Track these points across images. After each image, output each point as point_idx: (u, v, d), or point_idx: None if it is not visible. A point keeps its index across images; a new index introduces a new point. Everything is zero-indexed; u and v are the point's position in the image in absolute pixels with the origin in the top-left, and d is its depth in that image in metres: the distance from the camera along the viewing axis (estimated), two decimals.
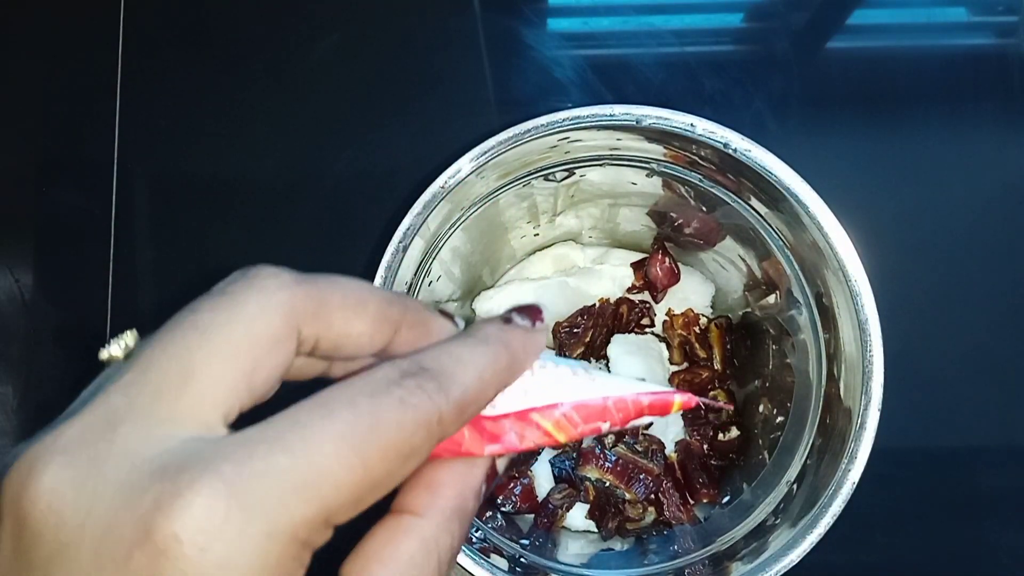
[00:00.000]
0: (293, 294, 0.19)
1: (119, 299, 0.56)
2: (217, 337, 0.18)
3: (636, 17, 0.60)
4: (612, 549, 0.47)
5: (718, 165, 0.41)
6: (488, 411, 0.21)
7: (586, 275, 0.53)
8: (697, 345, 0.51)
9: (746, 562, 0.39)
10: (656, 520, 0.48)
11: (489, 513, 0.47)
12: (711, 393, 0.51)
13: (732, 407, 0.46)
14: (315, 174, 0.58)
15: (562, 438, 0.22)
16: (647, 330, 0.53)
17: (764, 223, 0.42)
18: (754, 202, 0.42)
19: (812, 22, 0.61)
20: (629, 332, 0.52)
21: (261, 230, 0.58)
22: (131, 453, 0.17)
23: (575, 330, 0.51)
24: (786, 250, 0.42)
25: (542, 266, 0.54)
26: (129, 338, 0.20)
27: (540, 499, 0.49)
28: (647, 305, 0.53)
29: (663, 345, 0.53)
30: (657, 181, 0.45)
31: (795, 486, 0.41)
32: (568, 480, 0.49)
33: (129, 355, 0.19)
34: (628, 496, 0.48)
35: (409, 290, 0.41)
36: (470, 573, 0.37)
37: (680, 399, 0.23)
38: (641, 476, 0.47)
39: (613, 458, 0.48)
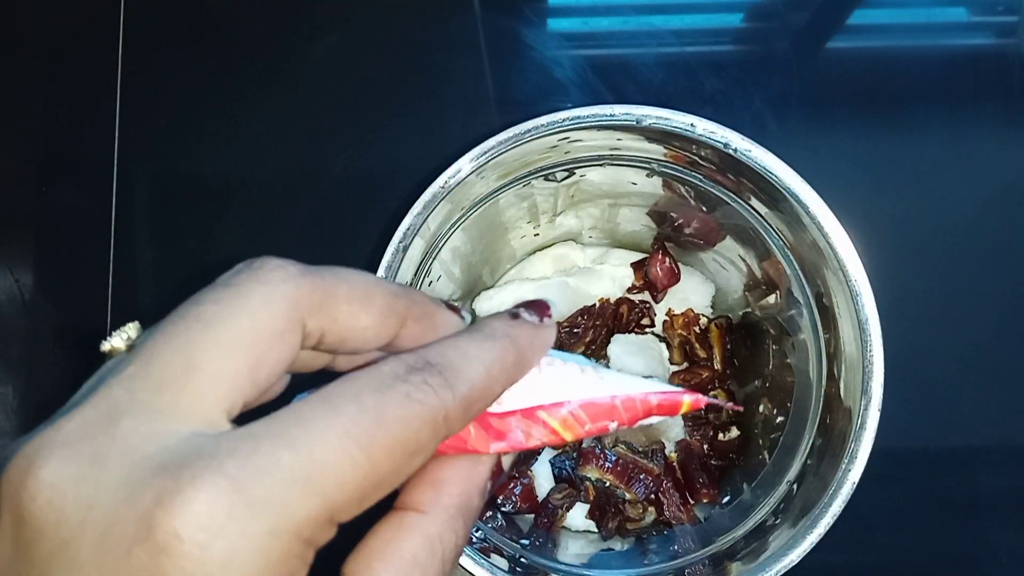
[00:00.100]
0: (298, 286, 0.19)
1: (119, 299, 0.56)
2: (221, 330, 0.18)
3: (636, 17, 0.60)
4: (612, 549, 0.47)
5: (718, 165, 0.41)
6: (494, 408, 0.21)
7: (586, 275, 0.53)
8: (697, 345, 0.51)
9: (746, 562, 0.39)
10: (656, 520, 0.48)
11: (489, 513, 0.47)
12: (711, 393, 0.51)
13: (741, 408, 0.46)
14: (315, 174, 0.58)
15: (569, 436, 0.21)
16: (647, 330, 0.53)
17: (764, 223, 0.42)
18: (754, 202, 0.42)
19: (812, 22, 0.61)
20: (629, 332, 0.52)
21: (261, 230, 0.58)
22: (132, 448, 0.16)
23: (575, 330, 0.51)
24: (786, 250, 0.42)
25: (542, 266, 0.54)
26: (132, 330, 0.19)
27: (540, 499, 0.49)
28: (647, 305, 0.52)
29: (663, 345, 0.53)
30: (657, 181, 0.45)
31: (795, 486, 0.41)
32: (568, 480, 0.49)
33: (132, 347, 0.19)
34: (628, 496, 0.48)
35: None
36: (470, 573, 0.37)
37: (689, 399, 0.22)
38: (641, 476, 0.47)
39: (613, 458, 0.48)
